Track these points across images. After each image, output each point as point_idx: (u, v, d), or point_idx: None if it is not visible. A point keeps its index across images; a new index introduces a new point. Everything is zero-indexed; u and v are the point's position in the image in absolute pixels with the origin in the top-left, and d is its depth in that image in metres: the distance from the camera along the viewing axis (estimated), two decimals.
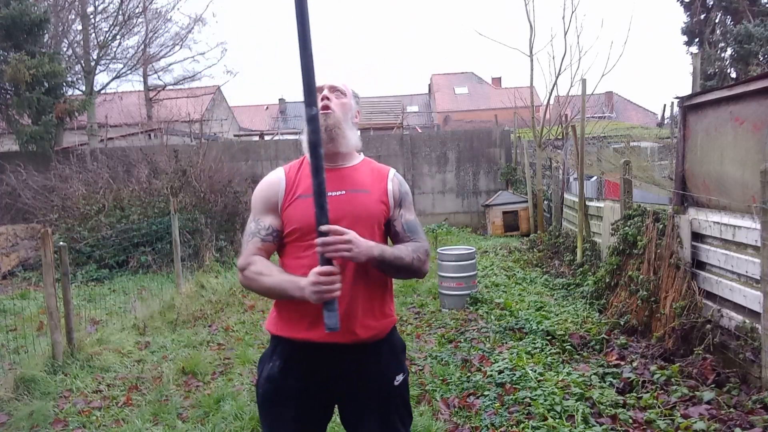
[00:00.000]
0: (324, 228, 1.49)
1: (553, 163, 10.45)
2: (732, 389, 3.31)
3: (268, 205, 1.74)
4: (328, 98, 1.70)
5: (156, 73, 20.77)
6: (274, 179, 1.76)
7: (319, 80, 1.70)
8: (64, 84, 13.28)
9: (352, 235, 1.53)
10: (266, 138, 17.90)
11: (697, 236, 4.08)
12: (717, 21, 16.87)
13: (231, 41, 63.96)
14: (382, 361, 1.73)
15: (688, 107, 4.34)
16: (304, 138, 1.64)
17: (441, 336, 4.97)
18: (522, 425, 3.12)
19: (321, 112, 1.66)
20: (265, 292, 1.67)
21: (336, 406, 1.80)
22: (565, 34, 10.99)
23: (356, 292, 1.65)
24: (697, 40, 17.51)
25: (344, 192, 1.68)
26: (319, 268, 1.51)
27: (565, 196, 9.24)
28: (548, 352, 4.25)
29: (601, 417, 3.14)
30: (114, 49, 17.47)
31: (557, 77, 10.82)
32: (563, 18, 11.88)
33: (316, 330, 1.63)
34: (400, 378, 1.76)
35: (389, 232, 1.81)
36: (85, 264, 8.53)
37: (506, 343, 4.60)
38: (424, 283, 7.01)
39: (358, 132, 1.81)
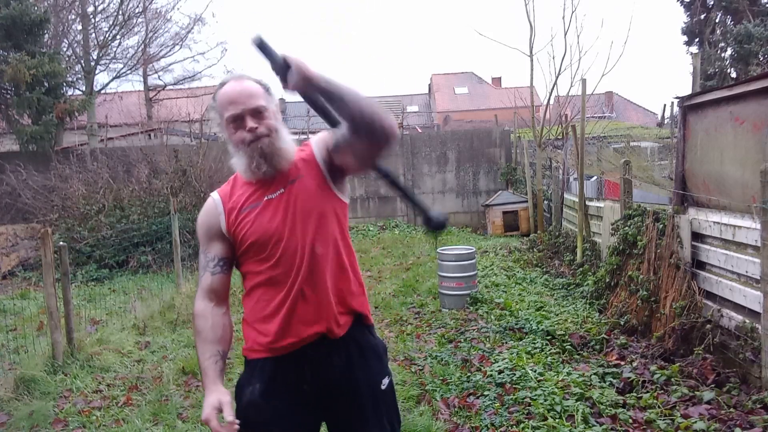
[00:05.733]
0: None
1: (553, 163, 10.45)
2: (732, 389, 3.31)
3: (211, 233, 1.69)
4: (254, 128, 1.58)
5: (156, 73, 20.79)
6: (210, 204, 1.71)
7: (235, 105, 1.60)
8: (64, 84, 13.27)
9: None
10: None
11: (697, 236, 4.08)
12: (717, 21, 16.88)
13: (231, 41, 63.92)
14: (367, 365, 1.69)
15: (688, 107, 4.34)
16: (237, 163, 1.65)
17: (441, 336, 4.97)
18: (522, 425, 3.12)
19: (250, 144, 1.58)
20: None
21: (324, 423, 1.75)
22: (565, 34, 10.99)
23: (327, 281, 1.62)
24: (697, 40, 17.51)
25: (283, 190, 1.63)
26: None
27: (565, 196, 9.24)
28: (548, 352, 4.25)
29: (601, 417, 3.14)
30: (114, 49, 17.50)
31: (557, 77, 10.84)
32: (563, 18, 11.83)
33: (290, 332, 1.61)
34: (386, 381, 1.73)
35: (334, 163, 1.67)
36: (85, 264, 8.53)
37: (506, 343, 4.60)
38: (424, 283, 7.01)
39: (289, 132, 1.69)
